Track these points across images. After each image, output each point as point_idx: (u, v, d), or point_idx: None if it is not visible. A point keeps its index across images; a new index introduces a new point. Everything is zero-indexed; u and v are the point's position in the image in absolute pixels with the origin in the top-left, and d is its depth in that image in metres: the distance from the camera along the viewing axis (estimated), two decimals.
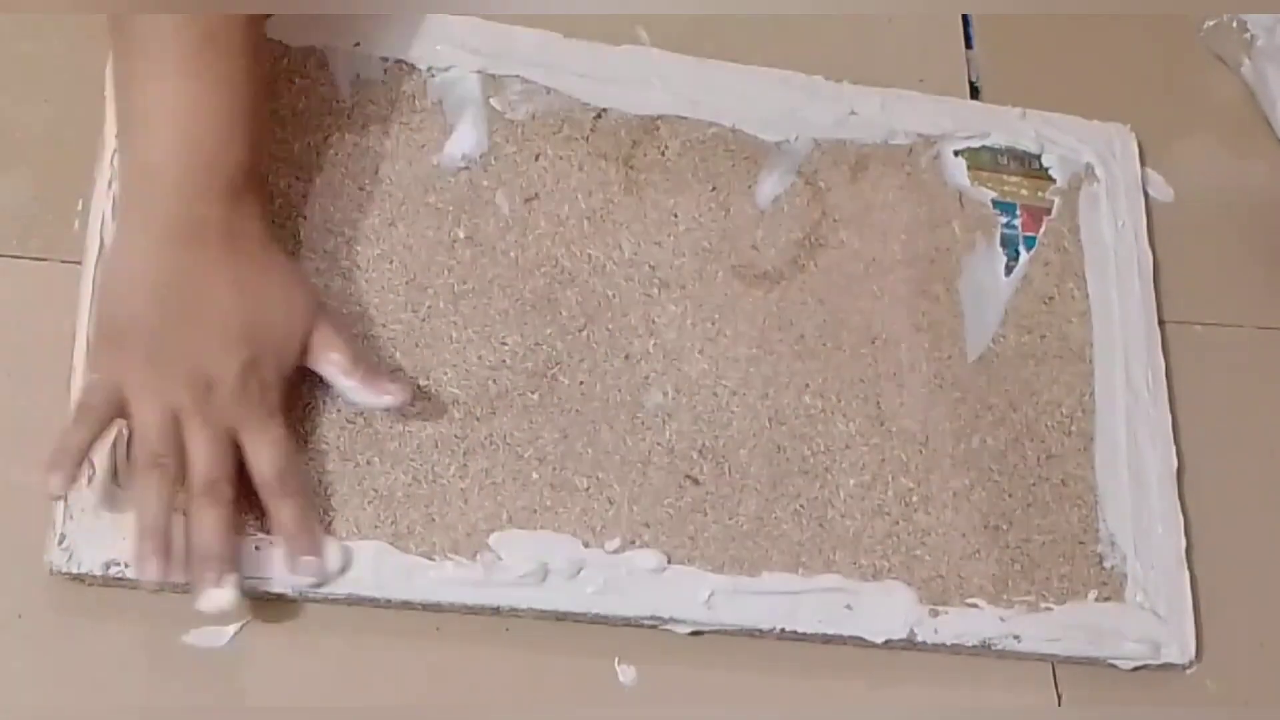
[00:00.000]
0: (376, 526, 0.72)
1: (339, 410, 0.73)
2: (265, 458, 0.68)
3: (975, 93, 0.92)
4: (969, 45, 0.93)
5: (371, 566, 0.71)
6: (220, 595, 0.67)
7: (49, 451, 0.66)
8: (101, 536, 0.68)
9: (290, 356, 0.70)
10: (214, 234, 0.68)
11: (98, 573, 0.68)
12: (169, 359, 0.67)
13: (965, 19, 0.93)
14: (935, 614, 0.76)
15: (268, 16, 0.75)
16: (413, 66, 0.81)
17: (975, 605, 0.77)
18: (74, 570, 0.68)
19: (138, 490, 0.67)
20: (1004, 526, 0.80)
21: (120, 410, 0.67)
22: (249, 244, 0.69)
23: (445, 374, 0.75)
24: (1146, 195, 0.90)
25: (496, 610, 0.73)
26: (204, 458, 0.67)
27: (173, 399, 0.67)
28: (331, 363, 0.71)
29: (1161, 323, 0.86)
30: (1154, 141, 0.92)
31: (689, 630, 0.74)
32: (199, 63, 0.67)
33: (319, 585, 0.70)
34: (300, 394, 0.73)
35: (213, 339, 0.67)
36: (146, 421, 0.67)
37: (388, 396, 0.72)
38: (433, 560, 0.72)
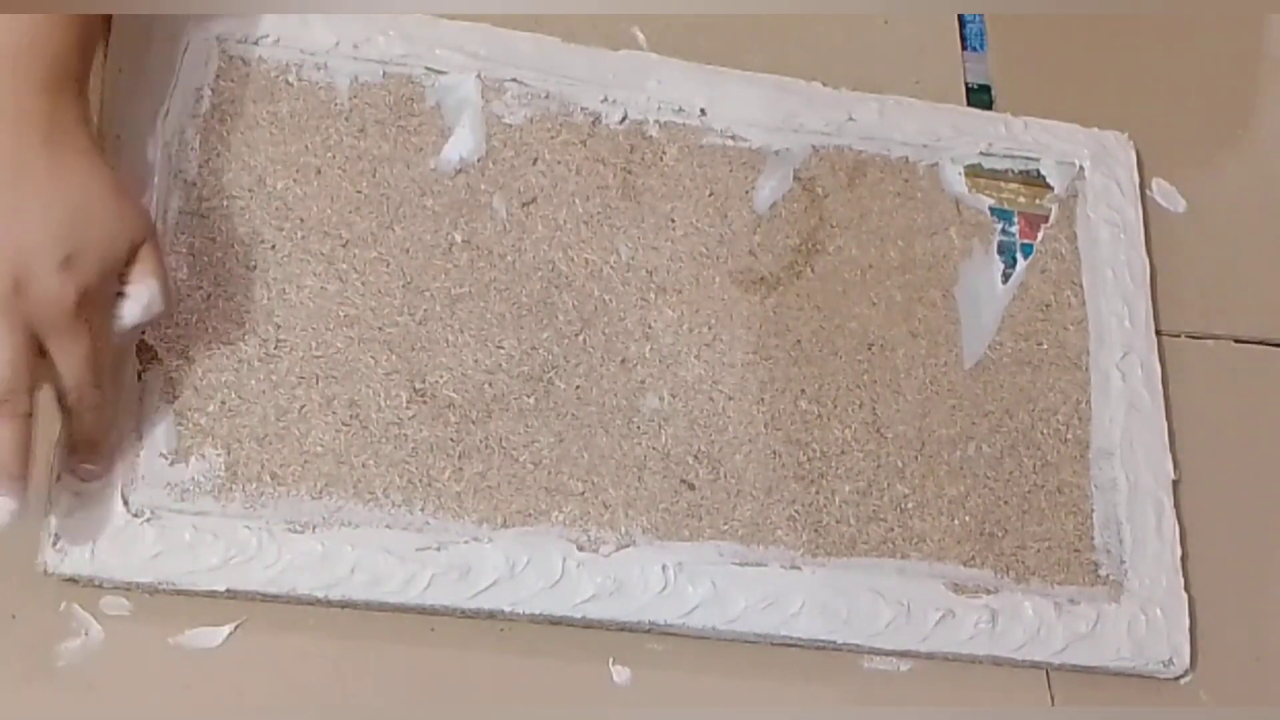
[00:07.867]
0: (372, 528, 0.72)
1: (334, 413, 0.73)
2: (68, 368, 0.63)
3: (984, 97, 0.91)
4: (965, 47, 0.93)
5: (365, 568, 0.71)
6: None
7: None
8: (95, 537, 0.68)
9: (115, 264, 0.63)
10: (32, 125, 0.61)
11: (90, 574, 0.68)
12: None
13: (961, 21, 0.93)
14: (929, 620, 0.76)
15: None
16: (411, 69, 0.81)
17: (969, 612, 0.77)
18: (68, 571, 0.68)
19: None
20: (999, 534, 0.80)
21: None
22: (72, 141, 0.63)
23: (441, 377, 0.75)
24: (1158, 205, 0.90)
25: (491, 613, 0.73)
26: (2, 366, 0.60)
27: None
28: (149, 287, 0.65)
29: (1161, 334, 0.86)
30: (1168, 151, 0.92)
31: (684, 633, 0.74)
32: None
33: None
34: (297, 394, 0.73)
35: (29, 230, 0.60)
36: None
37: (158, 307, 0.66)
38: (427, 563, 0.72)
